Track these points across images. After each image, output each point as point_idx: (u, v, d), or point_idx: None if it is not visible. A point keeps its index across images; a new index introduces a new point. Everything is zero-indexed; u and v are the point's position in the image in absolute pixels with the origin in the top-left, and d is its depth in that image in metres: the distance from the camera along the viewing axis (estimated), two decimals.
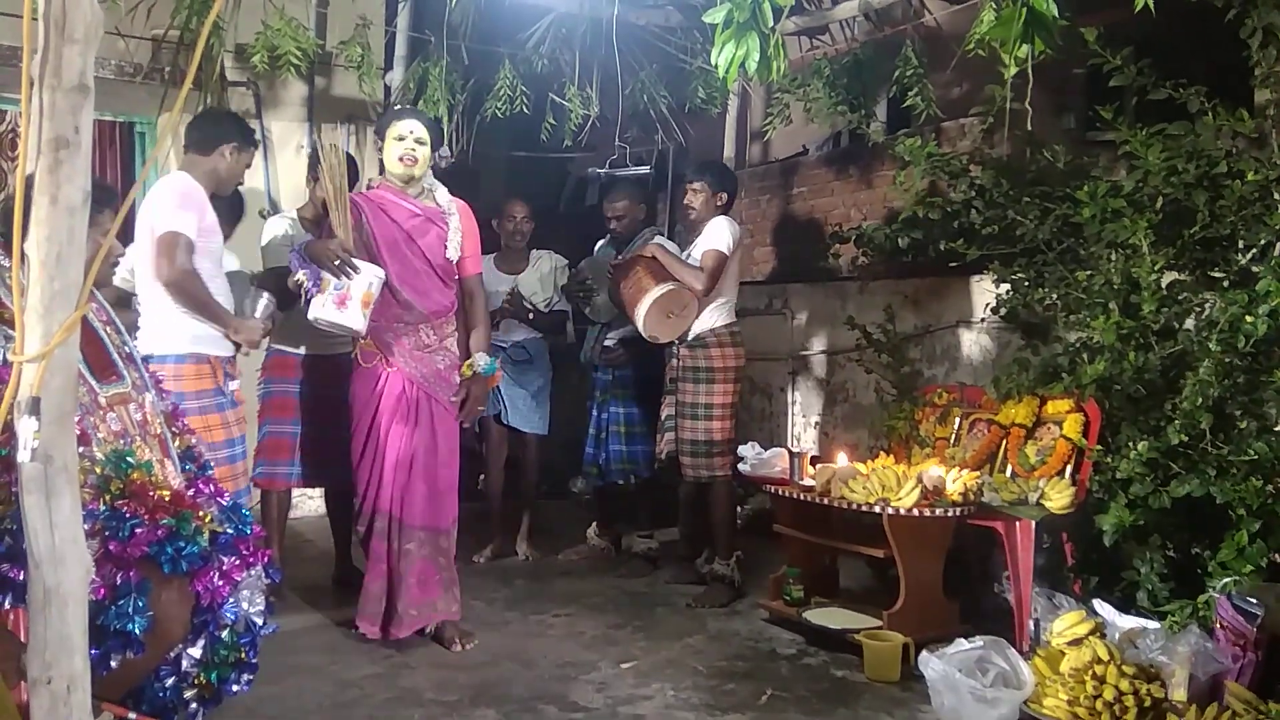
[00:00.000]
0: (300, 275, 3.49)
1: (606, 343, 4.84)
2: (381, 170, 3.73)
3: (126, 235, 3.40)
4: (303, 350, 4.16)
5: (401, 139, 3.58)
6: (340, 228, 3.48)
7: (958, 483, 3.57)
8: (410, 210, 3.64)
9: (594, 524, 5.08)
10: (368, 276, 3.43)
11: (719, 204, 4.39)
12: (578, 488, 5.67)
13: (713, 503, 4.38)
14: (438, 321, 3.66)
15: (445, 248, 3.64)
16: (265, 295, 3.55)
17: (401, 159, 3.57)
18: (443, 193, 3.72)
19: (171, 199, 3.30)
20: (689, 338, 4.31)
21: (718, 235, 4.27)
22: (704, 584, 4.36)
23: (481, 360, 3.68)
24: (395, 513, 3.58)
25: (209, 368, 3.35)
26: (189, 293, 3.26)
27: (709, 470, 4.29)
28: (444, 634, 3.63)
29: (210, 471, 2.52)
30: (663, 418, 4.46)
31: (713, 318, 4.31)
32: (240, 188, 3.83)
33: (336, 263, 3.38)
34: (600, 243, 5.02)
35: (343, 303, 3.40)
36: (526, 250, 4.96)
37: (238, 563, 2.23)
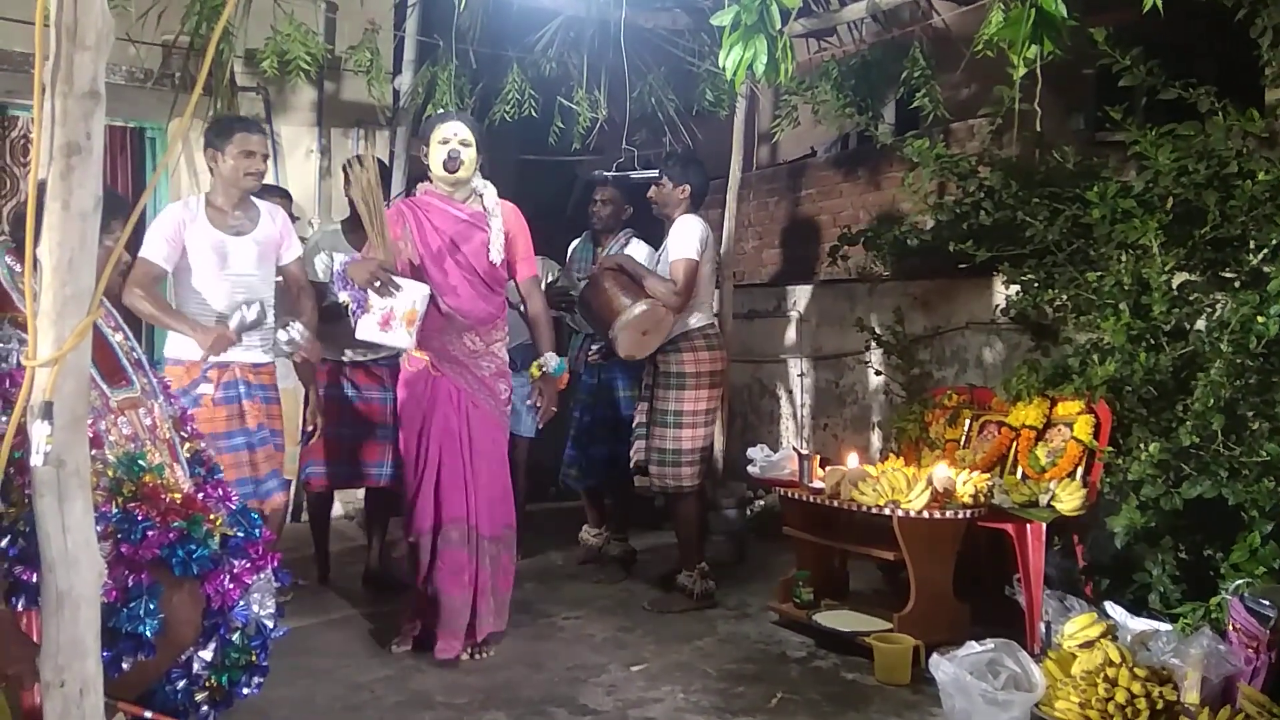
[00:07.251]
0: (344, 296, 3.47)
1: (592, 349, 4.80)
2: (411, 180, 3.66)
3: (136, 242, 3.42)
4: (346, 356, 4.22)
5: (445, 142, 3.50)
6: (379, 246, 3.42)
7: (968, 485, 3.56)
8: (455, 216, 3.55)
9: (584, 526, 5.02)
10: (411, 295, 3.35)
11: (682, 196, 4.19)
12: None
13: (678, 515, 4.24)
14: (483, 328, 3.58)
15: (489, 252, 3.55)
16: (257, 304, 3.40)
17: (446, 164, 3.50)
18: (490, 195, 3.62)
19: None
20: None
21: (686, 242, 4.03)
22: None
23: (552, 360, 3.61)
24: (472, 522, 3.52)
25: (182, 369, 3.37)
26: (139, 312, 3.36)
27: (675, 480, 4.12)
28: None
29: (219, 475, 2.53)
30: (635, 424, 4.33)
31: (685, 320, 4.10)
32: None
33: (378, 284, 3.32)
34: (575, 241, 4.99)
35: (386, 323, 3.35)
36: None
37: (248, 566, 2.24)
